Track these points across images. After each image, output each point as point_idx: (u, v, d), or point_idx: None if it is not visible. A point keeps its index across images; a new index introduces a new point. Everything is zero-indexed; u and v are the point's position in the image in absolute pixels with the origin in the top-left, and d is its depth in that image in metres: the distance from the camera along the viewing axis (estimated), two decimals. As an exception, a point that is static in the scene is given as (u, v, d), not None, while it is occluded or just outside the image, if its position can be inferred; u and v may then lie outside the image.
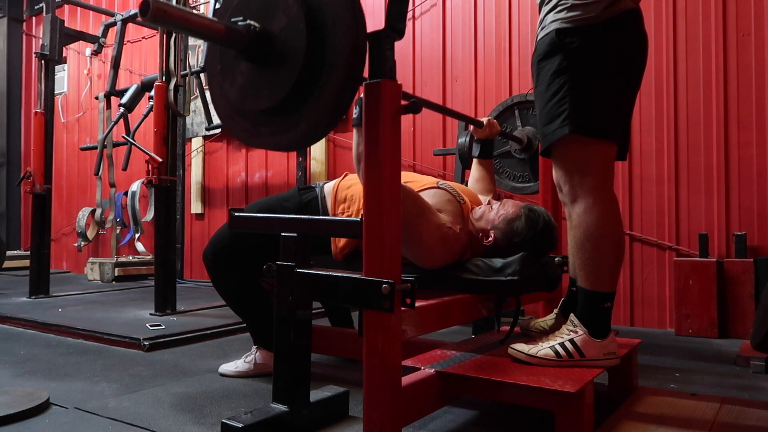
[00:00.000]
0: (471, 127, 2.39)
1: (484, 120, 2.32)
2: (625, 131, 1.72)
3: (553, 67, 1.58)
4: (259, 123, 1.36)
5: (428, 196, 1.86)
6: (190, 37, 5.29)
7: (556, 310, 1.93)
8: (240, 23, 1.30)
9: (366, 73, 1.28)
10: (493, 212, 1.87)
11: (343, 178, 2.08)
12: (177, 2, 3.46)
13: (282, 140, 1.33)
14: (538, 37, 1.66)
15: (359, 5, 1.25)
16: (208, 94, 5.12)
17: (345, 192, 2.01)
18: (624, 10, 1.56)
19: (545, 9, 1.64)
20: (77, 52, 6.35)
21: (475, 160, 2.38)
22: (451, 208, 1.84)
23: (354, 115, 1.60)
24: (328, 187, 2.08)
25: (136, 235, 5.53)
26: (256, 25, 1.29)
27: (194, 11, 1.28)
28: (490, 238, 1.83)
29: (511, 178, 2.99)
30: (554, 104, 1.58)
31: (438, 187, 1.93)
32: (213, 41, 1.34)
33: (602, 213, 1.56)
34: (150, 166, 3.34)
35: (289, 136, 1.30)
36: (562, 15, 1.57)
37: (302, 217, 1.62)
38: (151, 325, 2.96)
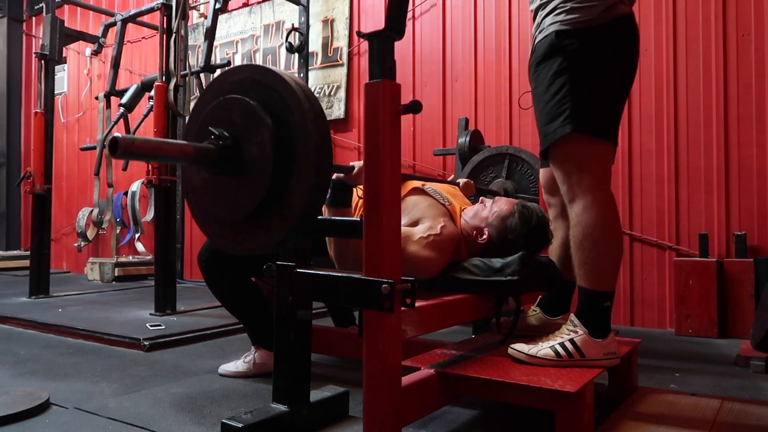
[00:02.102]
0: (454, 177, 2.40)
1: (461, 181, 2.34)
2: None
3: (552, 68, 1.60)
4: (237, 230, 1.38)
5: (408, 206, 1.87)
6: (190, 37, 5.29)
7: (534, 306, 1.99)
8: (212, 138, 1.31)
9: (366, 74, 1.29)
10: (486, 210, 1.88)
11: None
12: (177, 5, 3.47)
13: (254, 247, 1.36)
14: (536, 41, 1.68)
15: (324, 122, 1.30)
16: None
17: None
18: (620, 14, 1.60)
19: (542, 13, 1.67)
20: (77, 52, 6.35)
21: None
22: (432, 212, 1.85)
23: (327, 196, 1.65)
24: None
25: (136, 235, 5.53)
26: (226, 135, 1.31)
27: (160, 139, 1.30)
28: (485, 236, 1.84)
29: None
30: (554, 104, 1.59)
31: (422, 192, 1.93)
32: (185, 163, 1.37)
33: (600, 212, 1.57)
34: (150, 166, 3.34)
35: (263, 242, 1.33)
36: (560, 18, 1.60)
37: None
38: (151, 325, 2.96)
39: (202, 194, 1.41)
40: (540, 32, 1.66)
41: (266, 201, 1.28)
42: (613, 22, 1.58)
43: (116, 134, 1.13)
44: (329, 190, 1.69)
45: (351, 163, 1.68)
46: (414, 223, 1.82)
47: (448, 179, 2.47)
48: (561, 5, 1.60)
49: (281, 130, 1.27)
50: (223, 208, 1.36)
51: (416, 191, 1.94)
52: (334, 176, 1.71)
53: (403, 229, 1.77)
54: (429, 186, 1.99)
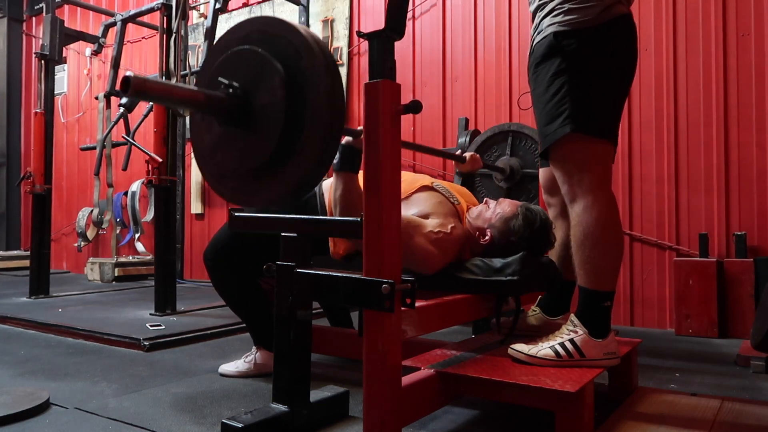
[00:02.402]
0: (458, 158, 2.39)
1: (467, 155, 2.33)
2: None
3: (552, 68, 1.60)
4: (247, 183, 1.36)
5: (418, 200, 1.87)
6: (190, 37, 5.29)
7: (534, 306, 1.98)
8: (221, 87, 1.29)
9: (366, 74, 1.29)
10: (489, 211, 1.88)
11: None
12: (177, 5, 3.47)
13: (270, 197, 1.34)
14: (535, 42, 1.69)
15: (335, 67, 1.27)
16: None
17: None
18: (618, 14, 1.60)
19: (540, 14, 1.67)
20: (77, 52, 6.35)
21: None
22: (442, 210, 1.85)
23: (335, 161, 1.62)
24: (326, 184, 2.08)
25: (136, 235, 5.53)
26: (236, 86, 1.29)
27: (172, 83, 1.29)
28: (487, 237, 1.84)
29: None
30: (554, 105, 1.60)
31: (431, 189, 1.93)
32: (194, 109, 1.34)
33: (601, 211, 1.57)
34: (150, 166, 3.34)
35: (277, 193, 1.32)
36: (559, 19, 1.60)
37: (302, 217, 1.61)
38: (151, 325, 2.96)
39: (214, 153, 1.38)
40: (538, 33, 1.66)
41: (280, 149, 1.25)
42: (611, 22, 1.58)
43: (128, 73, 1.12)
44: (337, 154, 1.65)
45: (359, 127, 1.66)
46: (424, 216, 1.82)
47: (454, 149, 2.42)
48: (559, 6, 1.61)
49: (291, 75, 1.23)
50: (236, 160, 1.33)
51: (425, 189, 1.94)
52: (344, 140, 1.67)
53: (414, 218, 1.77)
54: (438, 183, 1.99)
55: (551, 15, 1.62)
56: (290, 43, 1.24)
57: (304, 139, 1.24)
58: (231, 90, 1.28)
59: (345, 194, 1.72)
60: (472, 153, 2.36)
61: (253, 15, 5.16)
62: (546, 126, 1.63)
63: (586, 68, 1.58)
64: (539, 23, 1.67)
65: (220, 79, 1.29)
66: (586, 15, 1.57)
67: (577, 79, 1.58)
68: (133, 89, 1.10)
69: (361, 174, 2.01)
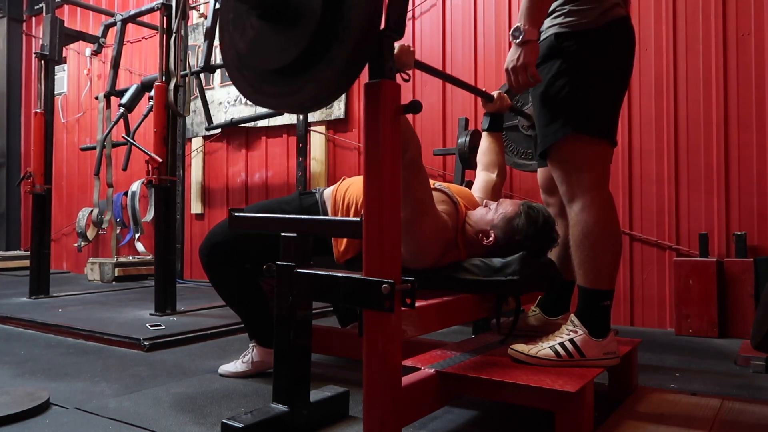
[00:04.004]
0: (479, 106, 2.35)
1: (495, 93, 2.32)
2: None
3: (552, 70, 1.62)
4: (265, 81, 1.32)
5: None
6: (190, 37, 5.29)
7: (534, 307, 1.99)
8: None
9: (366, 74, 1.28)
10: (491, 212, 1.87)
11: (341, 183, 2.09)
12: (177, 5, 3.47)
13: (283, 103, 1.31)
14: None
15: None
16: (208, 94, 5.12)
17: (344, 195, 2.02)
18: (618, 16, 1.62)
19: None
20: (77, 52, 6.35)
21: (484, 133, 2.39)
22: (445, 208, 1.85)
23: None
24: (328, 192, 2.09)
25: (136, 235, 5.52)
26: None
27: None
28: (491, 238, 1.83)
29: (515, 154, 2.99)
30: (554, 106, 1.61)
31: (434, 189, 1.93)
32: None
33: (599, 211, 1.58)
34: (150, 166, 3.34)
35: (293, 100, 1.27)
36: (559, 20, 1.62)
37: (302, 217, 1.62)
38: (151, 325, 2.96)
39: (251, 56, 1.34)
40: (540, 33, 1.67)
41: (303, 56, 1.22)
42: (611, 24, 1.60)
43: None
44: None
45: (493, 92, 1.73)
46: None
47: (483, 89, 2.38)
48: (559, 8, 1.63)
49: None
50: (273, 55, 1.29)
51: None
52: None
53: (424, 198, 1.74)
54: (439, 184, 2.00)
55: (552, 17, 1.64)
56: None
57: (336, 47, 1.20)
58: None
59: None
60: (500, 92, 2.35)
61: (253, 15, 5.15)
62: (546, 126, 1.64)
63: (586, 69, 1.60)
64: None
65: None
66: (587, 17, 1.59)
67: (578, 80, 1.59)
68: None
69: (360, 179, 2.03)
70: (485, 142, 2.38)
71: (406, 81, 1.61)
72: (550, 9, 1.65)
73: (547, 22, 1.65)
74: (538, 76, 1.58)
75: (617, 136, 1.73)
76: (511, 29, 1.58)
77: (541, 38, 1.66)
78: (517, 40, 1.56)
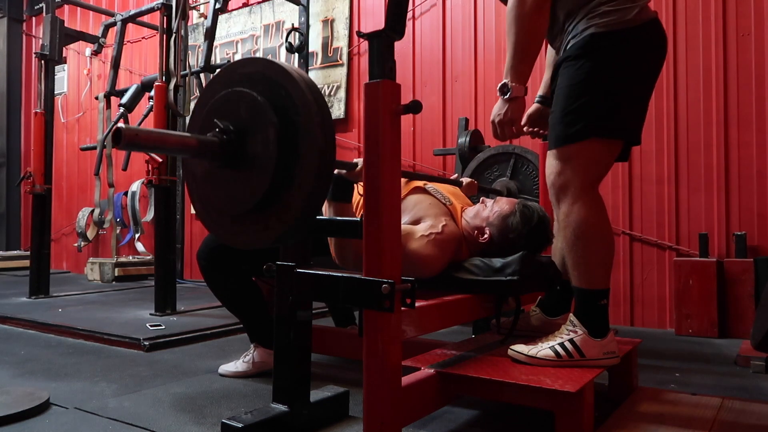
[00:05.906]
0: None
1: (464, 180, 2.34)
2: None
3: (584, 67, 1.60)
4: (235, 223, 1.37)
5: (410, 204, 1.87)
6: (190, 37, 5.29)
7: (534, 307, 1.98)
8: (216, 130, 1.30)
9: (366, 74, 1.29)
10: (487, 210, 1.88)
11: None
12: (177, 5, 3.47)
13: (251, 241, 1.34)
14: (568, 45, 1.67)
15: (328, 114, 1.28)
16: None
17: None
18: (651, 17, 1.63)
19: (573, 22, 1.67)
20: (77, 52, 6.35)
21: None
22: (433, 211, 1.86)
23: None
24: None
25: (136, 235, 5.53)
26: (231, 129, 1.30)
27: (163, 131, 1.30)
28: (486, 235, 1.84)
29: None
30: (579, 106, 1.59)
31: (423, 191, 1.94)
32: (187, 156, 1.36)
33: (589, 211, 1.58)
34: (150, 166, 3.34)
35: (260, 238, 1.32)
36: (596, 21, 1.61)
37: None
38: (151, 325, 2.96)
39: (203, 182, 1.39)
40: (573, 37, 1.66)
41: (266, 198, 1.28)
42: (646, 24, 1.61)
43: (120, 125, 1.13)
44: (331, 185, 1.68)
45: (354, 160, 1.67)
46: (415, 222, 1.82)
47: (451, 177, 2.46)
48: (594, 9, 1.62)
49: (287, 129, 1.26)
50: (223, 199, 1.35)
51: (418, 190, 1.95)
52: (336, 171, 1.70)
53: (405, 226, 1.77)
54: (430, 186, 2.00)
55: (586, 18, 1.63)
56: (289, 95, 1.27)
57: (291, 192, 1.26)
58: (225, 136, 1.30)
59: (339, 247, 1.77)
60: (469, 179, 2.38)
61: (253, 15, 5.16)
62: (566, 126, 1.61)
63: (618, 69, 1.59)
64: (572, 28, 1.66)
65: (215, 120, 1.31)
66: (624, 16, 1.59)
67: (607, 81, 1.59)
68: (125, 141, 1.12)
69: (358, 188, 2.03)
70: None
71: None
72: (582, 13, 1.64)
73: (582, 25, 1.63)
74: (523, 130, 1.59)
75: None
76: (498, 85, 1.62)
77: (575, 39, 1.64)
78: (505, 96, 1.61)
